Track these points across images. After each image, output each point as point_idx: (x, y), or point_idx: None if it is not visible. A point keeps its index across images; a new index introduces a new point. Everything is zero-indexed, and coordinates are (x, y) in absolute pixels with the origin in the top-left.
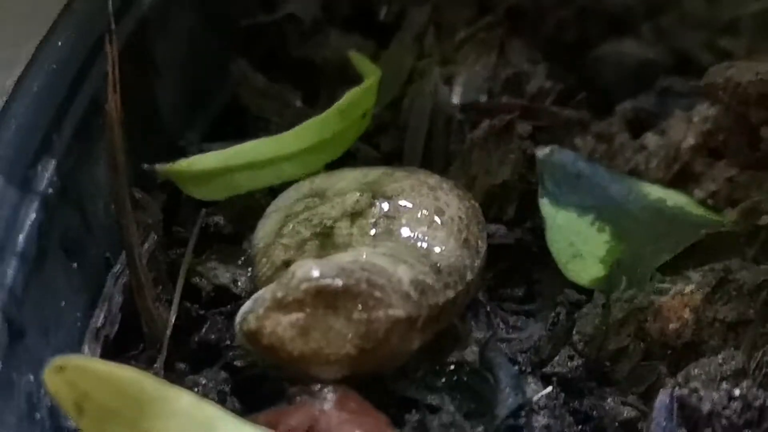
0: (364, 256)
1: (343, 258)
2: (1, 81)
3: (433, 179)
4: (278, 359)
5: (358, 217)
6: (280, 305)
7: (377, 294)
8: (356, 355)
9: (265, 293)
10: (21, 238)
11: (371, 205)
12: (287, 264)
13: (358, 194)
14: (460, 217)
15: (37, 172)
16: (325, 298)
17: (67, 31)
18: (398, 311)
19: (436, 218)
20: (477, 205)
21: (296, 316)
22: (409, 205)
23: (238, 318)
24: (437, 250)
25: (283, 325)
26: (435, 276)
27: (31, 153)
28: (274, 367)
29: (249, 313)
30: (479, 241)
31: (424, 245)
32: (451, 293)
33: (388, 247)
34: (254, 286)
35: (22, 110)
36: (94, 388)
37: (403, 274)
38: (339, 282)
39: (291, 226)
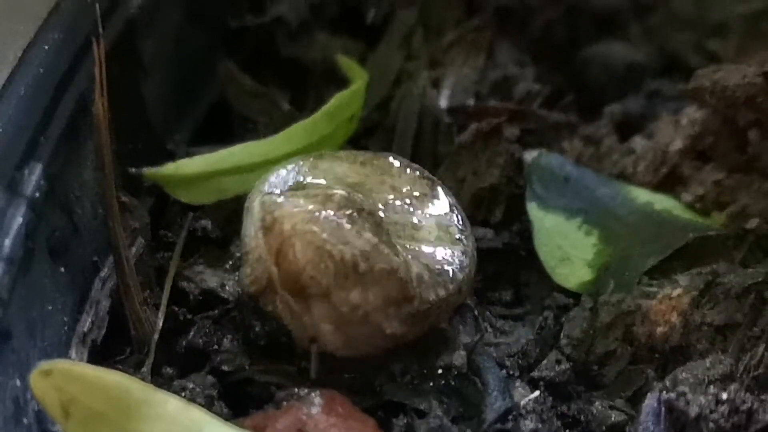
0: None
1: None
2: None
3: (421, 187)
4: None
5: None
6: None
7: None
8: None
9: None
10: (7, 241)
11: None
12: None
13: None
14: (449, 220)
15: (24, 175)
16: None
17: (55, 33)
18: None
19: (424, 221)
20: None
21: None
22: (398, 204)
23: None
24: (426, 251)
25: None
26: (428, 273)
27: (17, 156)
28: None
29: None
30: (466, 240)
31: (415, 248)
32: (442, 292)
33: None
34: (242, 287)
35: (9, 112)
36: (81, 392)
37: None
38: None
39: None
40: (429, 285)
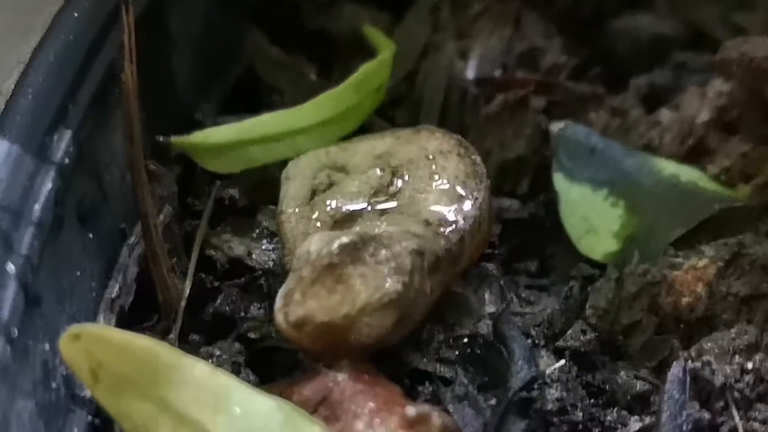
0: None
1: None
2: (17, 50)
3: (434, 142)
4: (333, 332)
5: (377, 195)
6: (312, 282)
7: (386, 234)
8: (401, 292)
9: (289, 283)
10: (37, 206)
11: (390, 183)
12: None
13: (379, 172)
14: (456, 176)
15: (54, 141)
16: (349, 254)
17: (84, 1)
18: (409, 243)
19: (431, 183)
20: (478, 160)
21: (331, 282)
22: (409, 177)
23: (278, 318)
24: (427, 208)
25: (325, 296)
26: (424, 228)
27: (47, 122)
28: (327, 348)
29: (286, 306)
30: (474, 193)
31: (416, 207)
32: (442, 241)
33: (384, 217)
34: (282, 257)
35: (39, 80)
36: (110, 356)
37: (392, 229)
38: (353, 235)
39: (319, 203)
40: (428, 238)
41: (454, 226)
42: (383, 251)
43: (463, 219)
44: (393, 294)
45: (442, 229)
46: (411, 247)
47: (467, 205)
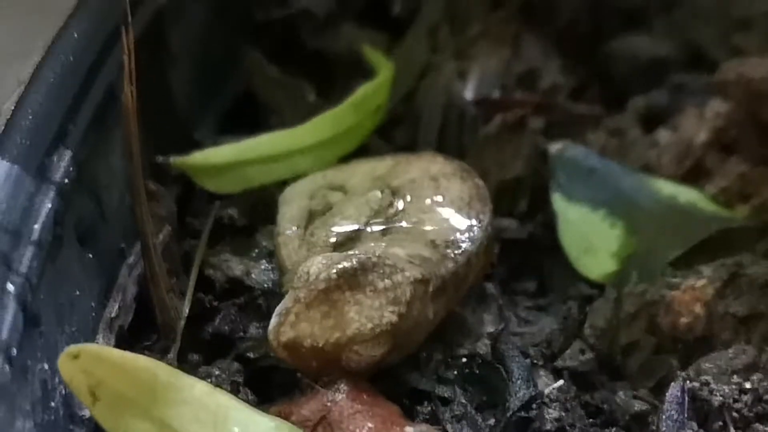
0: (365, 246)
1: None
2: (17, 71)
3: (436, 166)
4: (324, 356)
5: (376, 216)
6: (307, 305)
7: (389, 262)
8: (395, 323)
9: (286, 302)
10: (36, 226)
11: (390, 204)
12: None
13: (379, 194)
14: (461, 197)
15: (53, 162)
16: (346, 280)
17: (84, 21)
18: (413, 272)
19: (436, 206)
20: (481, 183)
21: (326, 307)
22: (412, 198)
23: (270, 336)
24: (433, 229)
25: (318, 321)
26: (431, 250)
27: (47, 142)
28: (319, 371)
29: (279, 326)
30: (480, 215)
31: (421, 228)
32: (450, 264)
33: (387, 237)
34: (279, 278)
35: (39, 100)
36: (109, 375)
37: (398, 250)
38: (354, 260)
39: (317, 224)
40: (434, 261)
41: (461, 248)
42: (383, 281)
43: (471, 241)
44: (386, 326)
45: (449, 251)
46: (414, 277)
47: (474, 228)
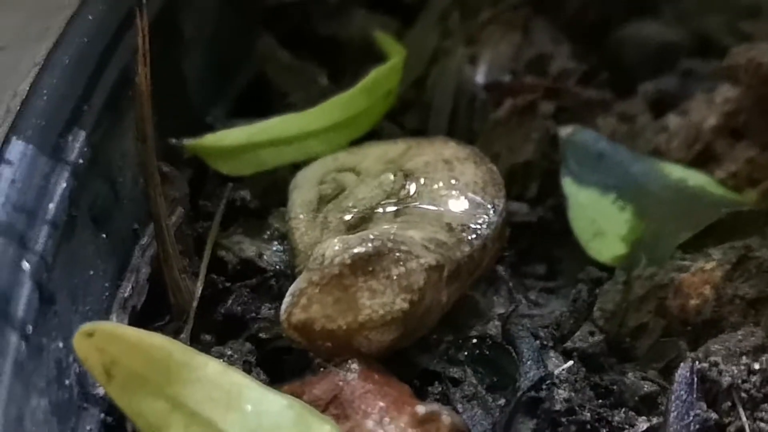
0: (379, 228)
1: (360, 232)
2: (33, 52)
3: (449, 150)
4: (334, 339)
5: (389, 197)
6: (321, 288)
7: (404, 248)
8: (407, 310)
9: (300, 283)
10: (52, 206)
11: (402, 186)
12: None
13: (392, 176)
14: (475, 182)
15: (68, 142)
16: (360, 266)
17: (98, 4)
18: (427, 258)
19: (451, 189)
20: (494, 168)
21: (339, 292)
22: (426, 180)
23: (282, 316)
24: (449, 212)
25: (330, 304)
26: (447, 233)
27: (61, 123)
28: (330, 352)
29: (291, 306)
30: (495, 200)
31: (436, 210)
32: (466, 248)
33: (401, 219)
34: (292, 261)
35: (54, 81)
36: (123, 353)
37: (414, 234)
38: (369, 245)
39: (330, 207)
40: (450, 245)
41: (477, 233)
42: (397, 268)
43: (486, 226)
44: (397, 313)
45: (465, 235)
46: (428, 263)
47: (489, 212)
